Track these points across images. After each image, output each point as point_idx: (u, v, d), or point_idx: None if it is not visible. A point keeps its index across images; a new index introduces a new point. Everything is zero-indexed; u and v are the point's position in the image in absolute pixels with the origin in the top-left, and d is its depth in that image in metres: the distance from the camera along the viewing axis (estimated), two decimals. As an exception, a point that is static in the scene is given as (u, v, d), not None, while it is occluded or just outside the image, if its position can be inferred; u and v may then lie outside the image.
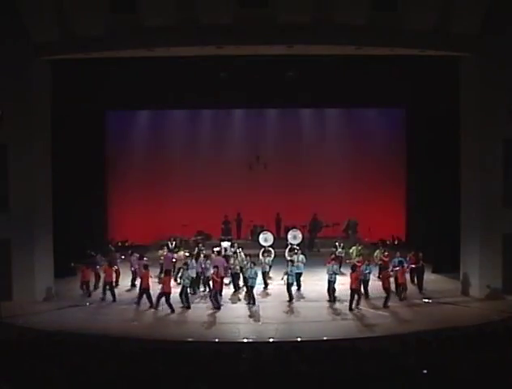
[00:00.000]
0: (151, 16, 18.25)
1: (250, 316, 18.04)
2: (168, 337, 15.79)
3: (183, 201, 28.30)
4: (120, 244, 27.12)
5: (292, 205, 28.00)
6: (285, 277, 19.61)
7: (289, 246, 22.75)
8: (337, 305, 19.05)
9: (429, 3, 18.54)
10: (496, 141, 19.73)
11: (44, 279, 20.15)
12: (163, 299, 18.49)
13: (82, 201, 24.41)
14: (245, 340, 15.61)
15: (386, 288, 18.95)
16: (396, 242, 27.49)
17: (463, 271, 20.57)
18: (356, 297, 18.55)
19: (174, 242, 23.98)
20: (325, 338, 15.58)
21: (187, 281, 19.02)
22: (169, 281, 18.74)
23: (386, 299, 18.77)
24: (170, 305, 18.27)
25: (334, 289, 19.67)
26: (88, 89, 23.97)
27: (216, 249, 22.53)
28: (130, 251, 22.61)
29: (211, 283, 19.49)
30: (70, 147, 23.59)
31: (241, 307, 19.06)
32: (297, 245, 23.49)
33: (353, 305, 18.46)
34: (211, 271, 19.28)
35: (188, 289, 19.15)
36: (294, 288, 20.11)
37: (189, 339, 15.59)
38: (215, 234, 27.68)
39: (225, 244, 23.78)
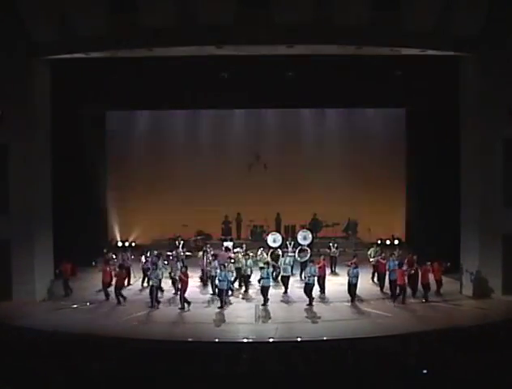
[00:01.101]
0: (151, 16, 18.24)
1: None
2: (168, 337, 15.77)
3: (183, 201, 28.28)
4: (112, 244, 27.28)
5: (292, 205, 27.95)
6: (262, 280, 19.32)
7: (299, 247, 22.73)
8: (334, 305, 19.01)
9: (430, 3, 18.53)
10: (496, 141, 19.73)
11: (44, 280, 20.15)
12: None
13: (82, 201, 24.37)
14: (245, 340, 15.61)
15: (401, 285, 19.20)
16: (396, 242, 27.49)
17: (463, 271, 20.57)
18: (402, 292, 19.03)
19: (182, 242, 23.97)
20: (325, 338, 15.57)
21: (156, 281, 19.09)
22: (124, 275, 20.18)
23: (403, 295, 19.11)
24: (119, 297, 19.40)
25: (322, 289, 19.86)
26: (88, 89, 23.92)
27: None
28: (145, 250, 22.49)
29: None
30: (70, 147, 23.57)
31: (241, 307, 19.06)
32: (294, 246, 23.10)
33: (399, 300, 18.93)
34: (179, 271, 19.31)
35: (157, 289, 19.22)
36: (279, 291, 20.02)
37: (189, 339, 15.58)
38: (215, 234, 27.70)
39: (227, 244, 23.85)
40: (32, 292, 19.70)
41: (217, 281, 19.23)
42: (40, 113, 20.22)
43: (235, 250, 22.38)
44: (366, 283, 21.32)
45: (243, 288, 20.93)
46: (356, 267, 19.45)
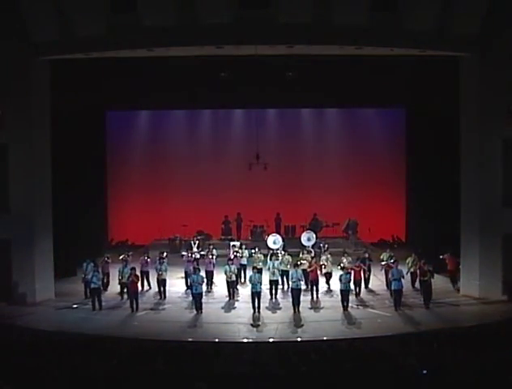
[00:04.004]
0: (151, 16, 18.24)
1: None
2: (168, 337, 15.78)
3: (183, 201, 28.32)
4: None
5: (292, 205, 28.00)
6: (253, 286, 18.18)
7: (305, 248, 22.64)
8: (333, 306, 18.91)
9: (429, 3, 18.53)
10: (496, 141, 19.73)
11: (44, 280, 20.15)
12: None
13: (82, 201, 24.40)
14: (245, 340, 15.62)
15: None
16: (396, 242, 27.52)
17: (463, 271, 20.58)
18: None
19: (197, 242, 23.85)
20: (325, 338, 15.58)
21: (97, 284, 18.96)
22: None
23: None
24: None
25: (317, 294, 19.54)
26: (88, 89, 23.96)
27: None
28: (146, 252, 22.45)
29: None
30: (70, 148, 23.59)
31: (241, 307, 19.05)
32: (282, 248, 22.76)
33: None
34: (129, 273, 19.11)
35: (98, 292, 19.02)
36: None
37: (189, 339, 15.59)
38: (215, 234, 27.72)
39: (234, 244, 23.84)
40: (32, 292, 19.71)
41: (193, 284, 18.51)
42: (40, 113, 20.21)
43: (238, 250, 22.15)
44: (375, 287, 21.26)
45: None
46: (349, 273, 18.64)
